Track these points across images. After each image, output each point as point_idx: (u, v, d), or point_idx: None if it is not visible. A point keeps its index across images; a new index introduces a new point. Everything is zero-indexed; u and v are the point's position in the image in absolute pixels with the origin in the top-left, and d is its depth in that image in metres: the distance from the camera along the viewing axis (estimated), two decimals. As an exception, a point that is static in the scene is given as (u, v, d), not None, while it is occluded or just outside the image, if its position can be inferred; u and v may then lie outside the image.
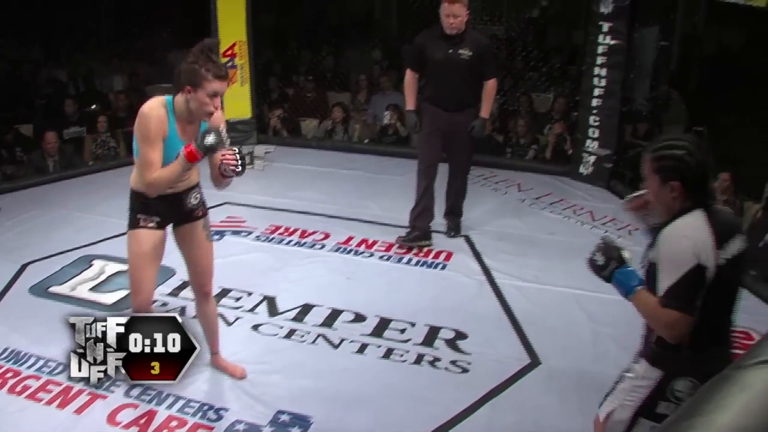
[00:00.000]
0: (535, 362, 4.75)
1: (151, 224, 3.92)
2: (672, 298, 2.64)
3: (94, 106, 9.94)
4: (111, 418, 4.10)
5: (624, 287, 2.80)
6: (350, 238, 6.53)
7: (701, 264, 2.62)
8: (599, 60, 7.53)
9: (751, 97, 8.05)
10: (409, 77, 6.19)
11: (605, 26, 7.44)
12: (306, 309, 5.32)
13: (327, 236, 6.58)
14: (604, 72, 7.53)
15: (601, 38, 7.50)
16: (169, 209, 3.97)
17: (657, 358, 2.86)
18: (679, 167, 2.70)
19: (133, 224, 3.93)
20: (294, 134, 9.81)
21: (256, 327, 5.10)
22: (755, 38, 10.36)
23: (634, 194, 3.13)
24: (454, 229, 6.58)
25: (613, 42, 7.46)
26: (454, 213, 6.60)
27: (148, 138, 3.61)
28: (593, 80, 7.52)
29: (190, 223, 4.11)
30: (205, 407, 4.19)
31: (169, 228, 4.06)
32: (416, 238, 6.34)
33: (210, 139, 3.55)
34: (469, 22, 6.05)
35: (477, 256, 6.27)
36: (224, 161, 3.68)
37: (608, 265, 2.82)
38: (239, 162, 3.67)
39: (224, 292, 5.47)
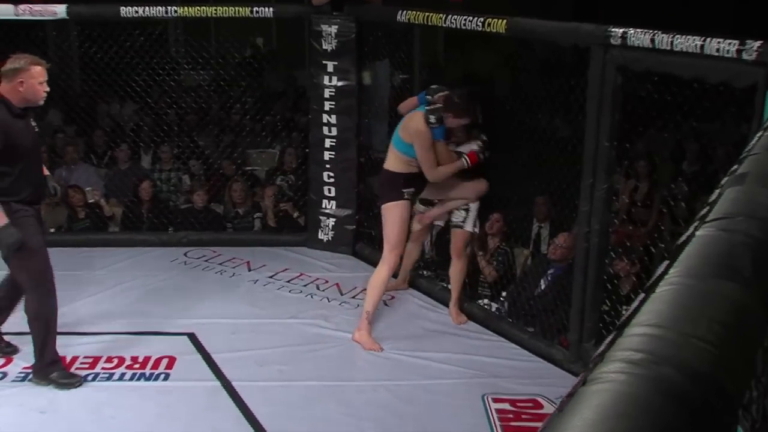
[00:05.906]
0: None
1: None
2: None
3: None
4: None
5: (441, 136, 5.54)
6: (41, 359, 5.35)
7: None
8: (327, 105, 6.90)
9: (507, 126, 7.47)
10: None
11: (330, 66, 6.83)
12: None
13: (9, 361, 5.33)
14: (334, 119, 6.89)
15: (326, 80, 6.88)
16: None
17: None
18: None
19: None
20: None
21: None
22: (503, 60, 9.95)
23: None
24: None
25: (341, 83, 6.87)
26: None
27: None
28: (323, 129, 6.87)
29: None
30: None
31: None
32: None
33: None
34: None
35: (206, 357, 5.48)
36: None
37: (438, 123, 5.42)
38: None
39: None
